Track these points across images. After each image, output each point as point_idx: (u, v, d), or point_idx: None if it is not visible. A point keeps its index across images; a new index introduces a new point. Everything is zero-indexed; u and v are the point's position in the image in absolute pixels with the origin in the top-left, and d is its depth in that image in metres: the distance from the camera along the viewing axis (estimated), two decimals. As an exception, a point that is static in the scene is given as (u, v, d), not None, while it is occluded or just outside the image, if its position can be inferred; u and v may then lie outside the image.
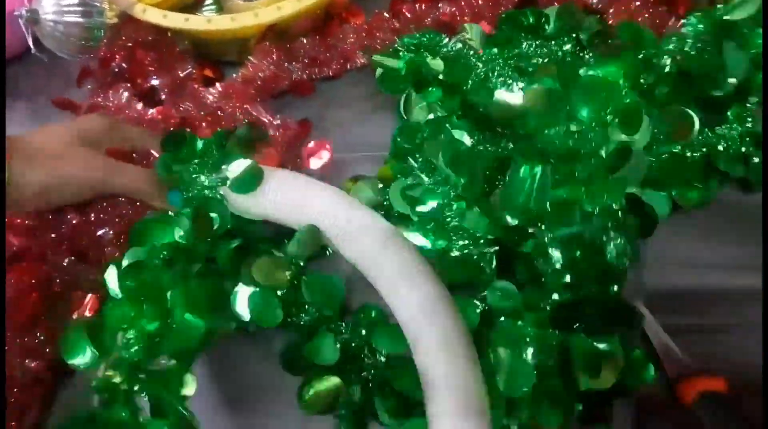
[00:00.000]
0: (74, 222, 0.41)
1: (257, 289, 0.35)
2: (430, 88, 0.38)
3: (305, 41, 0.48)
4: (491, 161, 0.34)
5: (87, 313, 0.42)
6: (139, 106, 0.47)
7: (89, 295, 0.42)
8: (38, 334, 0.40)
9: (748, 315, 0.38)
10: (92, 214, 0.41)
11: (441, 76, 0.38)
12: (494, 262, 0.35)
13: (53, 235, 0.40)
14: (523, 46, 0.39)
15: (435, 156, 0.34)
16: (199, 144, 0.39)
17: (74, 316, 0.41)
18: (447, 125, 0.36)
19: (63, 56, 0.47)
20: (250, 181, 0.37)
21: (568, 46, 0.38)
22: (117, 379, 0.32)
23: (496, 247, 0.35)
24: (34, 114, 0.52)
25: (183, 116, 0.47)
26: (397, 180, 0.38)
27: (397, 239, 0.35)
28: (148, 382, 0.32)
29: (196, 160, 0.38)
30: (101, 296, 0.42)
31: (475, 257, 0.35)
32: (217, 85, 0.47)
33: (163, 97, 0.48)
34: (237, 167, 0.38)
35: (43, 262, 0.39)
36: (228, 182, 0.37)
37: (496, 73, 0.37)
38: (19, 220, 0.41)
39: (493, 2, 0.46)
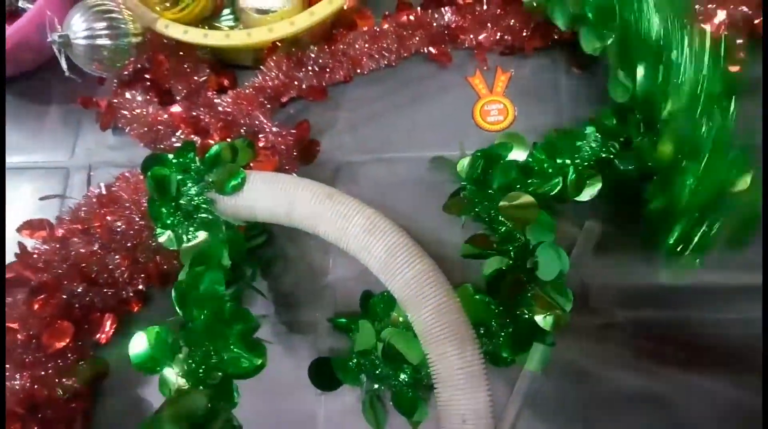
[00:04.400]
0: (81, 250, 0.42)
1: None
2: None
3: (315, 50, 0.48)
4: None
5: (108, 331, 0.43)
6: (153, 108, 0.47)
7: (107, 315, 0.43)
8: (69, 355, 0.41)
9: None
10: (96, 243, 0.42)
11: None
12: None
13: (64, 266, 0.41)
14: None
15: None
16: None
17: (98, 336, 0.43)
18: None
19: (94, 74, 0.47)
20: (233, 183, 0.37)
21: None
22: None
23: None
24: (67, 115, 0.53)
25: (194, 120, 0.47)
26: None
27: (383, 223, 0.36)
28: None
29: (179, 176, 0.38)
30: (117, 316, 0.44)
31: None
32: (230, 92, 0.47)
33: (178, 98, 0.48)
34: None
35: (60, 291, 0.40)
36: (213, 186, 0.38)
37: None
38: (35, 256, 0.41)
39: (498, 15, 0.49)
